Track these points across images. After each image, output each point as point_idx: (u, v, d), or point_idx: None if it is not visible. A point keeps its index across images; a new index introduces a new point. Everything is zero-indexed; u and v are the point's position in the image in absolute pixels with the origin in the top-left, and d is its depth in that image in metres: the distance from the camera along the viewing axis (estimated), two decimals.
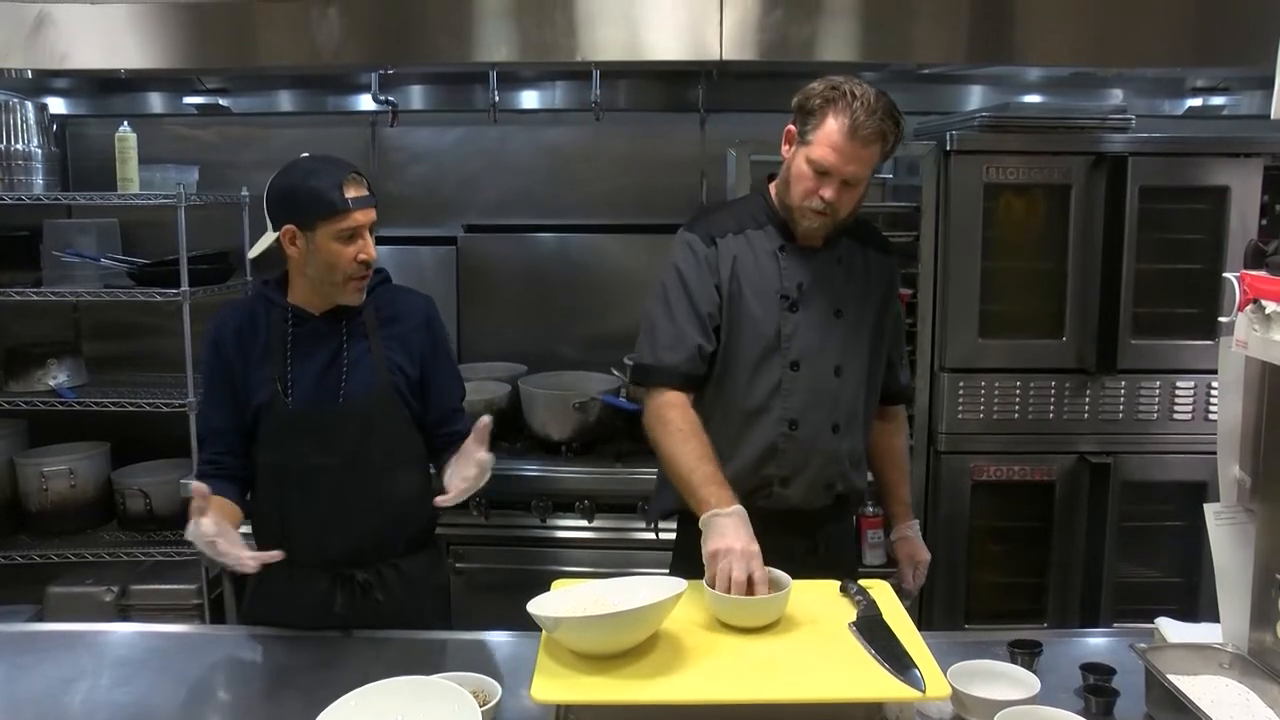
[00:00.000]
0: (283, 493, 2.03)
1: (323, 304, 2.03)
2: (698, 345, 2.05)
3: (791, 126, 2.02)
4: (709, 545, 1.81)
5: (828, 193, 1.96)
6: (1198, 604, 2.82)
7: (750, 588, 1.74)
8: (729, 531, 1.80)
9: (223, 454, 2.04)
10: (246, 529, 2.08)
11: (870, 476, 2.31)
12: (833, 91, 1.93)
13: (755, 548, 1.79)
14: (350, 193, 1.93)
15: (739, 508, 1.86)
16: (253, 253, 2.05)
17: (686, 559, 2.05)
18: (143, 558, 3.21)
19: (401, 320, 2.09)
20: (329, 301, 2.02)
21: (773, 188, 2.12)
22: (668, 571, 2.07)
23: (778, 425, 2.08)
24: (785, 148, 2.05)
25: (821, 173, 1.95)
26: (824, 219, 2.00)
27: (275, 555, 1.80)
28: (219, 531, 1.76)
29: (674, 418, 2.01)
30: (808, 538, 2.12)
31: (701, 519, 1.86)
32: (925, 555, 2.30)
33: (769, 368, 2.07)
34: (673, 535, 2.24)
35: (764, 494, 2.06)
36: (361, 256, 1.95)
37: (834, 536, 2.21)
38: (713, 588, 1.76)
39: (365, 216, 1.95)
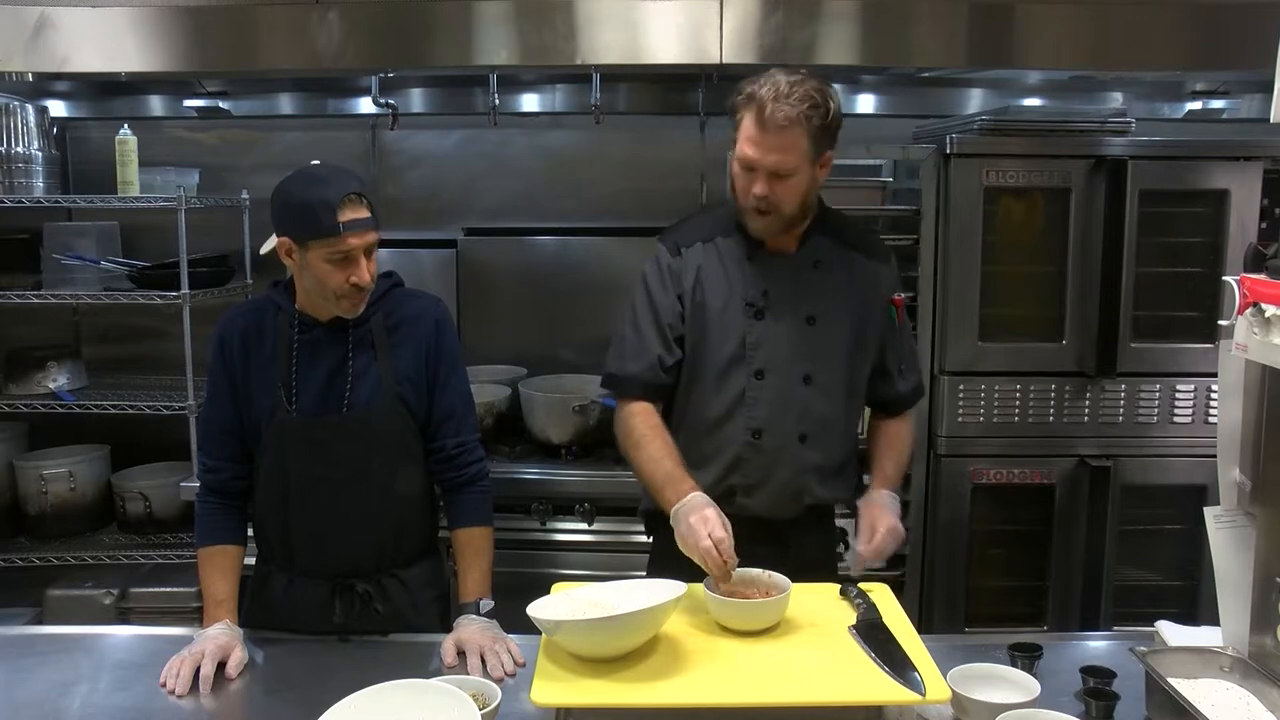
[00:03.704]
0: (284, 501, 2.01)
1: (327, 312, 2.00)
2: (658, 356, 2.06)
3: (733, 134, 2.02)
4: (677, 533, 1.84)
5: (758, 188, 1.94)
6: (1198, 607, 2.81)
7: (731, 579, 1.77)
8: (686, 514, 1.83)
9: (224, 462, 2.03)
10: (248, 531, 2.09)
11: (865, 479, 2.28)
12: (746, 87, 1.94)
13: (711, 512, 1.82)
14: (346, 215, 1.84)
15: (697, 493, 1.88)
16: (264, 249, 2.01)
17: (660, 561, 2.08)
18: (142, 561, 3.21)
19: (409, 326, 2.04)
20: (330, 311, 1.99)
21: None
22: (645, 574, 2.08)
23: (741, 434, 2.06)
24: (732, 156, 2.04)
25: (749, 169, 1.95)
26: (767, 217, 1.98)
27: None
28: (205, 676, 1.77)
29: (636, 425, 2.04)
30: (777, 545, 2.05)
31: (671, 516, 1.88)
32: (890, 522, 1.99)
33: (734, 376, 2.06)
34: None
35: (728, 502, 2.01)
36: (353, 280, 1.89)
37: (807, 546, 2.15)
38: (707, 582, 1.76)
39: (360, 240, 1.87)
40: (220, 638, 1.85)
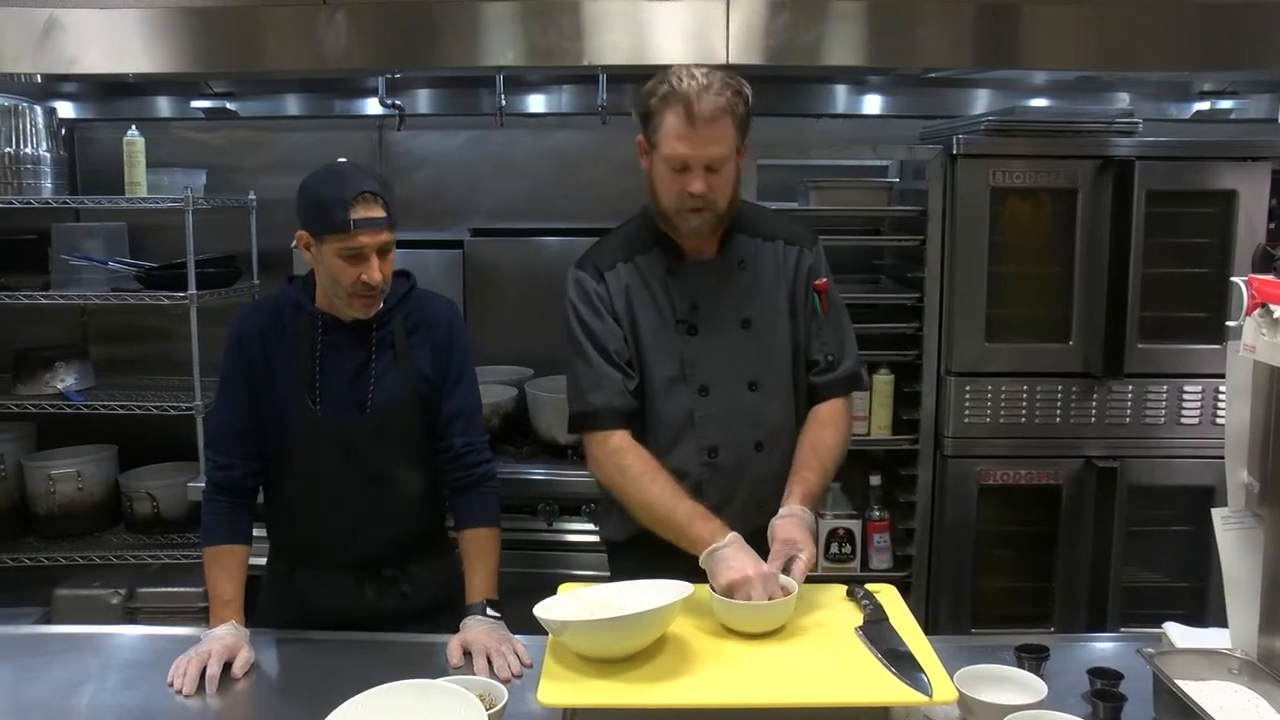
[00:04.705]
0: (298, 496, 2.03)
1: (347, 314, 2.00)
2: (620, 380, 1.99)
3: (640, 138, 1.96)
4: (722, 579, 1.75)
5: (695, 186, 1.89)
6: (1205, 609, 2.80)
7: None
8: (736, 561, 1.76)
9: (236, 459, 2.03)
10: (260, 531, 2.10)
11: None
12: (663, 87, 1.88)
13: (766, 568, 1.75)
14: (359, 213, 1.86)
15: (734, 535, 1.82)
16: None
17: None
18: (150, 560, 3.22)
19: (427, 328, 2.06)
20: (346, 312, 1.99)
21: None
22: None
23: (696, 455, 2.01)
24: (643, 160, 1.99)
25: (681, 169, 1.89)
26: (703, 215, 1.93)
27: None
28: (211, 677, 1.77)
29: (631, 462, 1.95)
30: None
31: (701, 558, 1.81)
32: (811, 549, 1.84)
33: (678, 396, 2.01)
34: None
35: None
36: (363, 278, 1.90)
37: None
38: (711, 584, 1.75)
39: (371, 239, 1.88)
40: (227, 638, 1.85)
